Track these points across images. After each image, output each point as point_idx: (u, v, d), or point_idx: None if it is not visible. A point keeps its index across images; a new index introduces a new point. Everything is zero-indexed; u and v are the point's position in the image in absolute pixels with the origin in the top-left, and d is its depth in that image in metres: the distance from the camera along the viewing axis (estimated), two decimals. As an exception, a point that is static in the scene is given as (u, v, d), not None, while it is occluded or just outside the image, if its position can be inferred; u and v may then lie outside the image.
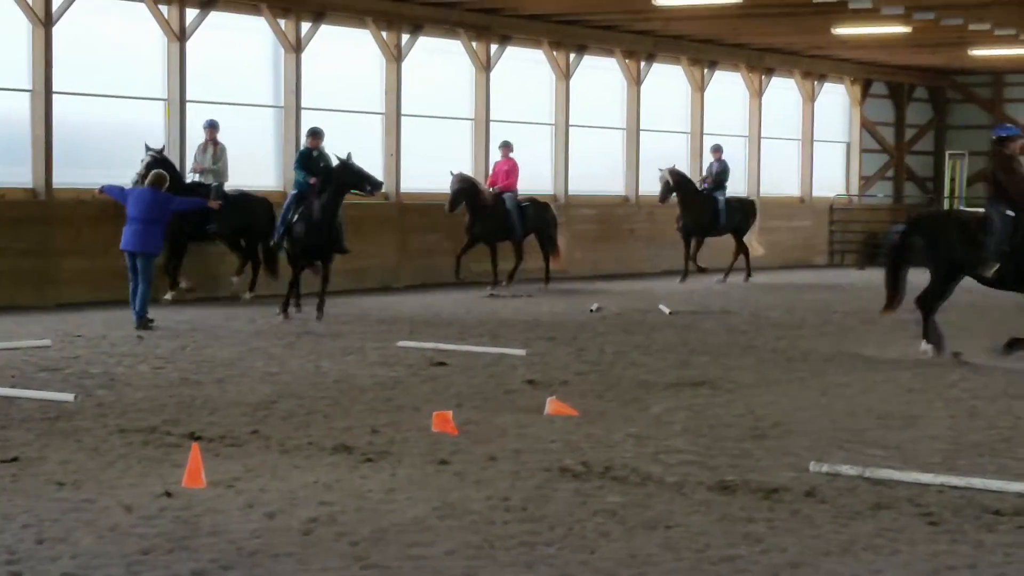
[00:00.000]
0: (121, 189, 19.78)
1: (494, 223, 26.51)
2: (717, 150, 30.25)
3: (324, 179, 20.55)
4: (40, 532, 8.07)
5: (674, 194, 28.93)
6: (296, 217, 20.53)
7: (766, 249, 31.21)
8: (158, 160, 21.81)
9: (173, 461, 9.99)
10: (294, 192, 21.07)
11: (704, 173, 30.89)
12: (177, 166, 22.84)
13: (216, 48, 24.65)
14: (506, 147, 27.15)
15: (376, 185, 20.91)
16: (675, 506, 8.82)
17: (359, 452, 10.43)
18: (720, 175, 29.81)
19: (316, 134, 21.64)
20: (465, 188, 26.16)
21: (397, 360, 15.90)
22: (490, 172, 27.82)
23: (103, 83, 23.33)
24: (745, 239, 30.05)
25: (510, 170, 26.99)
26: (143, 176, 20.72)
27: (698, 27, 30.84)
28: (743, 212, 30.21)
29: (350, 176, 20.52)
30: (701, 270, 29.37)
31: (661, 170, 29.12)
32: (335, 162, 20.69)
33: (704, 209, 29.34)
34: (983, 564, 7.58)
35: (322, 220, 20.26)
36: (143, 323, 18.67)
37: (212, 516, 8.46)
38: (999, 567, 7.54)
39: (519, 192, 27.01)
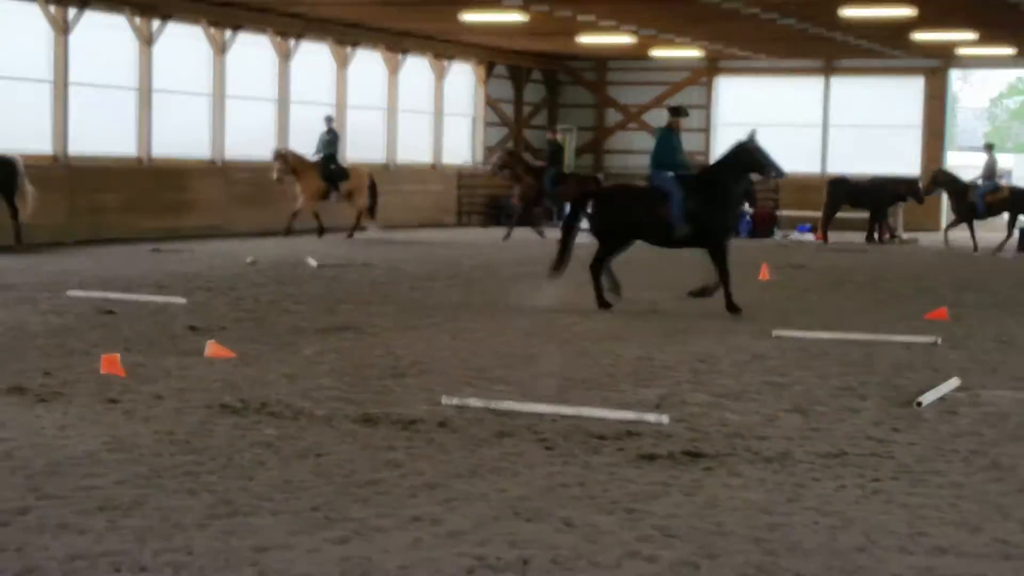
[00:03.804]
0: None
1: None
2: None
3: (723, 161, 17.00)
4: None
5: None
6: (695, 204, 16.61)
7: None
8: None
9: None
10: (671, 176, 16.78)
11: None
12: None
13: None
14: None
15: (780, 173, 17.03)
16: (324, 437, 8.82)
17: (32, 393, 10.07)
18: None
19: (681, 112, 17.38)
20: None
21: (67, 309, 15.41)
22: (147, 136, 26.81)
23: None
24: (18, 200, 23.54)
25: None
26: None
27: (344, 12, 30.78)
28: (4, 170, 23.36)
29: (758, 158, 16.80)
30: None
31: None
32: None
33: None
34: (590, 482, 7.82)
35: (732, 206, 17.26)
36: None
37: None
38: (604, 484, 7.78)
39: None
